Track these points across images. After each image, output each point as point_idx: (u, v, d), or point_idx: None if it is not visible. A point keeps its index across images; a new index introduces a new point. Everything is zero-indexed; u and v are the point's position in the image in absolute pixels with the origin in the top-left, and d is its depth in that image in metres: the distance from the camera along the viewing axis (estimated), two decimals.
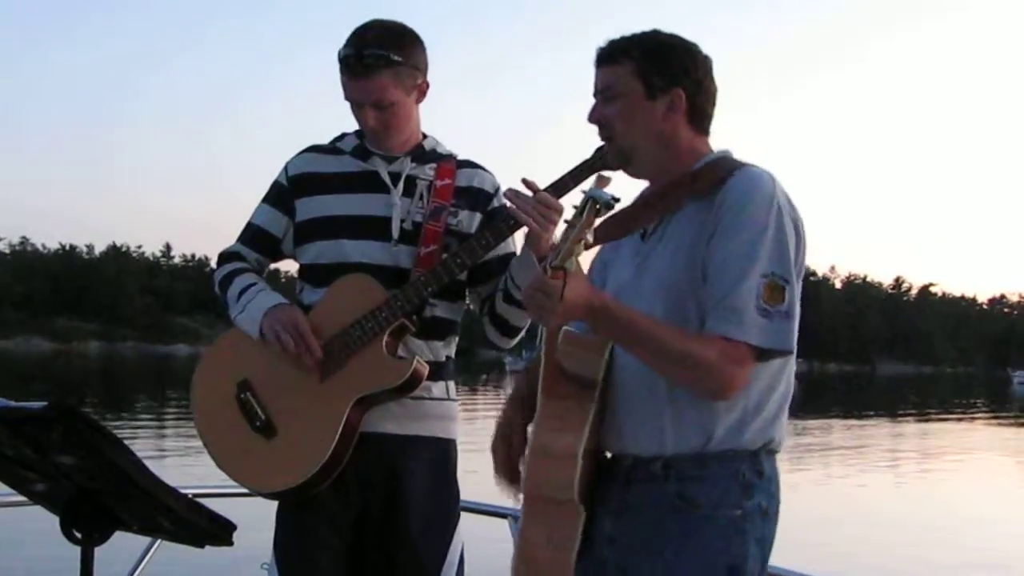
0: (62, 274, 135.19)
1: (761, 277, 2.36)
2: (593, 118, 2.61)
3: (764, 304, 2.36)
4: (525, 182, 2.97)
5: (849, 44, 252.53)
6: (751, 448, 2.47)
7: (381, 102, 3.13)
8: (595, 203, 2.24)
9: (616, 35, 2.60)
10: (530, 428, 2.57)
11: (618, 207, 2.31)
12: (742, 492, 2.45)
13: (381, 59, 3.09)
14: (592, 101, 2.62)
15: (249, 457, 3.14)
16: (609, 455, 2.60)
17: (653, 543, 2.46)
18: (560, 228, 2.45)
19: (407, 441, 3.16)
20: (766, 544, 2.48)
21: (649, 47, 2.56)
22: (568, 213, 2.30)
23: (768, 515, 2.48)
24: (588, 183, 2.52)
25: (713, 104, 2.61)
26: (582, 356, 2.54)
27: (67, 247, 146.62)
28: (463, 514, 3.30)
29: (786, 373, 2.52)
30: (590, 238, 2.25)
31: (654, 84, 2.53)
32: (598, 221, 2.27)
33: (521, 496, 2.57)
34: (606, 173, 2.42)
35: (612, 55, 2.57)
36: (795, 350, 2.47)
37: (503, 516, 4.07)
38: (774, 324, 2.37)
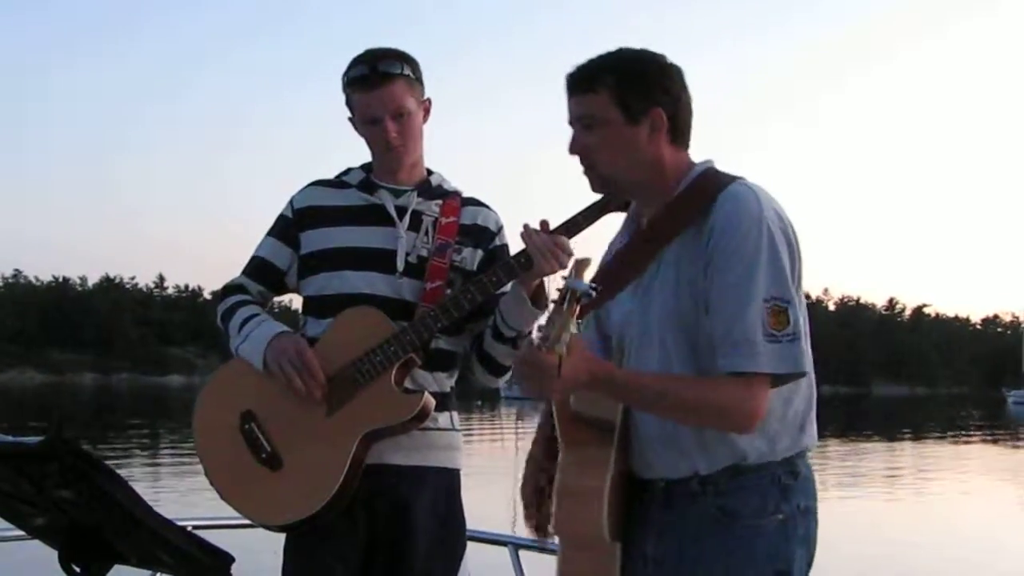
0: (55, 307, 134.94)
1: (763, 303, 2.35)
2: (574, 149, 2.57)
3: (771, 330, 2.35)
4: (542, 223, 2.97)
5: (845, 69, 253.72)
6: (785, 456, 2.48)
7: (400, 110, 3.17)
8: (575, 294, 2.29)
9: (584, 60, 2.55)
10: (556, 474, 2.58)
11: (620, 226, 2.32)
12: (781, 496, 2.46)
13: (395, 68, 3.16)
14: (568, 130, 2.57)
15: (254, 489, 3.13)
16: (643, 479, 2.60)
17: (700, 559, 2.46)
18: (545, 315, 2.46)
19: (414, 472, 3.16)
20: (810, 542, 2.50)
21: (622, 70, 2.51)
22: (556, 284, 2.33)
23: (809, 512, 2.50)
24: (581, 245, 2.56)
25: (691, 115, 2.58)
26: (599, 400, 2.54)
27: (60, 279, 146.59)
28: None
29: (805, 381, 2.50)
30: (573, 328, 2.28)
31: (634, 108, 2.50)
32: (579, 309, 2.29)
33: (556, 538, 2.59)
34: (584, 257, 2.41)
35: (585, 82, 2.53)
36: (809, 368, 2.44)
37: (503, 544, 4.06)
38: (784, 349, 2.36)
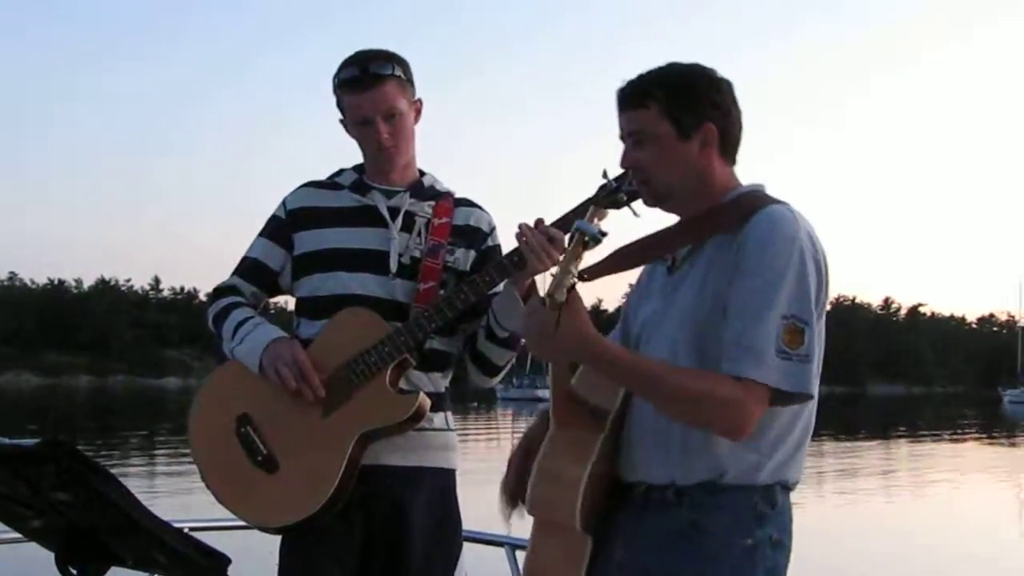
0: (51, 309, 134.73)
1: (781, 319, 2.34)
2: (626, 164, 2.58)
3: (784, 347, 2.33)
4: (537, 222, 2.99)
5: (858, 72, 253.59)
6: (766, 483, 2.46)
7: (392, 111, 3.17)
8: (583, 236, 2.31)
9: (634, 75, 2.55)
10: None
11: (644, 230, 2.33)
12: (754, 521, 2.44)
13: (386, 69, 3.17)
14: (619, 144, 2.58)
15: (250, 492, 3.13)
16: (625, 482, 2.59)
17: (663, 570, 2.45)
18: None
19: (410, 473, 3.17)
20: (777, 575, 2.47)
21: (672, 85, 2.51)
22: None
23: (780, 546, 2.47)
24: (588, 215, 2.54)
25: (741, 128, 2.58)
26: (600, 386, 2.55)
27: (56, 281, 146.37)
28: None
29: (806, 412, 2.49)
30: (575, 270, 2.30)
31: (685, 123, 2.50)
32: (587, 255, 2.33)
33: (532, 519, 2.59)
34: (602, 209, 2.45)
35: (635, 98, 2.53)
36: (815, 393, 2.41)
37: (500, 544, 4.06)
38: (794, 367, 2.34)
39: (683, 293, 2.51)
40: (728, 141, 2.55)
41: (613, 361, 2.41)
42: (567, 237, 2.34)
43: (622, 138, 2.58)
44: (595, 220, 2.39)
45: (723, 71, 2.58)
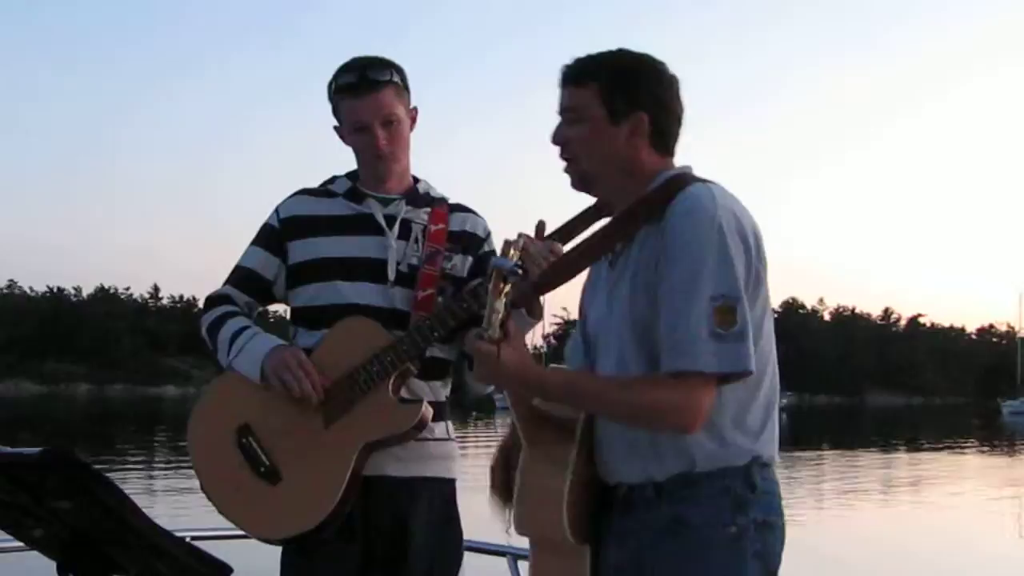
0: (50, 317, 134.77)
1: (710, 301, 2.33)
2: (556, 139, 2.59)
3: (717, 328, 2.32)
4: (537, 229, 2.98)
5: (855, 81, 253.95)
6: (739, 463, 2.45)
7: (390, 117, 3.17)
8: (500, 273, 2.35)
9: (583, 54, 2.57)
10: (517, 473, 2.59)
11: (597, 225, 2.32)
12: (735, 508, 2.43)
13: (384, 75, 3.16)
14: (556, 120, 2.60)
15: (253, 503, 3.11)
16: (607, 484, 2.59)
17: (654, 568, 2.45)
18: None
19: (411, 483, 3.16)
20: (769, 557, 2.46)
21: (615, 70, 2.53)
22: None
23: (768, 527, 2.46)
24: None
25: (679, 124, 2.58)
26: None
27: (55, 290, 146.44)
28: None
29: (763, 387, 2.48)
30: (501, 307, 2.35)
31: (618, 109, 2.51)
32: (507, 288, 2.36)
33: (526, 538, 2.59)
34: (513, 237, 2.48)
35: (577, 76, 2.55)
36: (753, 369, 2.38)
37: (501, 554, 4.05)
38: (728, 347, 2.33)
39: (621, 292, 2.52)
40: (660, 133, 2.55)
41: (551, 390, 2.47)
42: (487, 276, 2.39)
43: (559, 113, 2.59)
44: (511, 252, 2.40)
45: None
